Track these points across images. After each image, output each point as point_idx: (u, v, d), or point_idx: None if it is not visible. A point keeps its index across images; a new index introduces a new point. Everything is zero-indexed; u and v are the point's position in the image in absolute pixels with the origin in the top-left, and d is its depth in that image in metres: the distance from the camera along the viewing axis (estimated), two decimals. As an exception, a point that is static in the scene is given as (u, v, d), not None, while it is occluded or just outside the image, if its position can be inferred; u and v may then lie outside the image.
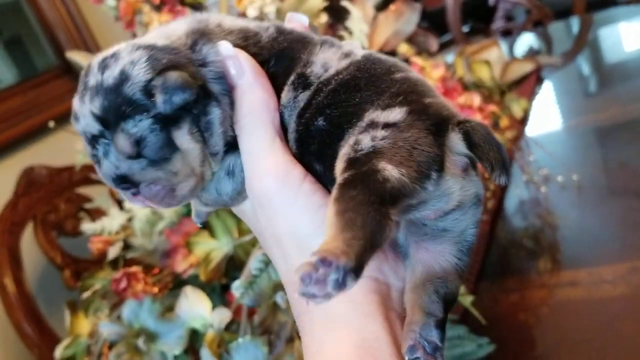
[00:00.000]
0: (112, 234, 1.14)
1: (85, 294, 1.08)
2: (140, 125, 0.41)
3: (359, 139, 0.40)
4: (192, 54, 0.44)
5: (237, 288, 0.85)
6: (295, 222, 0.44)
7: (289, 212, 0.44)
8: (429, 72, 1.41)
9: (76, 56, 1.39)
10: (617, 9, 2.59)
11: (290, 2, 1.21)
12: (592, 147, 1.51)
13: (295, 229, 0.44)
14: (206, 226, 1.00)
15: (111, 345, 0.96)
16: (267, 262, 0.85)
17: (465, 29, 2.93)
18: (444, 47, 2.40)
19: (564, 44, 2.38)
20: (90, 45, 1.85)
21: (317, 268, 0.33)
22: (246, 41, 0.47)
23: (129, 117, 0.41)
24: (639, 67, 1.89)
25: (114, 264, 1.11)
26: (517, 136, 1.46)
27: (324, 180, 0.45)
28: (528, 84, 1.79)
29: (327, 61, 0.47)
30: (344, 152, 0.41)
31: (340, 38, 1.24)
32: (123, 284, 0.96)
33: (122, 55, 0.43)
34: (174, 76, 0.41)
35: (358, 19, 1.31)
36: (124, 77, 0.41)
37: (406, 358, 0.42)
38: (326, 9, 1.25)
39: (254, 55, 0.46)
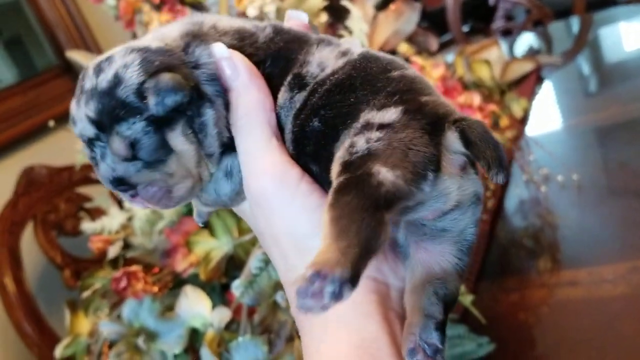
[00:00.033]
0: (112, 234, 1.14)
1: (85, 294, 1.08)
2: (134, 128, 0.41)
3: (354, 141, 0.40)
4: (185, 56, 0.44)
5: (237, 287, 0.85)
6: (293, 222, 0.44)
7: (286, 212, 0.44)
8: (429, 71, 1.41)
9: (76, 56, 1.40)
10: (617, 9, 2.59)
11: (290, 1, 1.21)
12: (592, 147, 1.50)
13: (292, 229, 0.44)
14: (206, 225, 1.00)
15: (111, 345, 0.96)
16: (267, 262, 0.85)
17: (465, 28, 2.92)
18: (444, 46, 2.40)
19: (564, 44, 2.37)
20: (90, 45, 1.85)
21: (312, 281, 0.33)
22: (242, 42, 0.47)
23: (123, 119, 0.41)
24: (639, 67, 1.89)
25: (114, 263, 1.11)
26: (517, 136, 1.46)
27: (321, 181, 0.44)
28: (528, 84, 1.79)
29: (323, 60, 0.46)
30: (339, 155, 0.40)
31: (340, 37, 1.24)
32: (123, 283, 0.96)
33: (116, 59, 0.43)
34: (166, 78, 0.41)
35: (358, 19, 1.31)
36: (117, 80, 0.41)
37: None
38: (326, 8, 1.25)
39: (249, 55, 0.46)
